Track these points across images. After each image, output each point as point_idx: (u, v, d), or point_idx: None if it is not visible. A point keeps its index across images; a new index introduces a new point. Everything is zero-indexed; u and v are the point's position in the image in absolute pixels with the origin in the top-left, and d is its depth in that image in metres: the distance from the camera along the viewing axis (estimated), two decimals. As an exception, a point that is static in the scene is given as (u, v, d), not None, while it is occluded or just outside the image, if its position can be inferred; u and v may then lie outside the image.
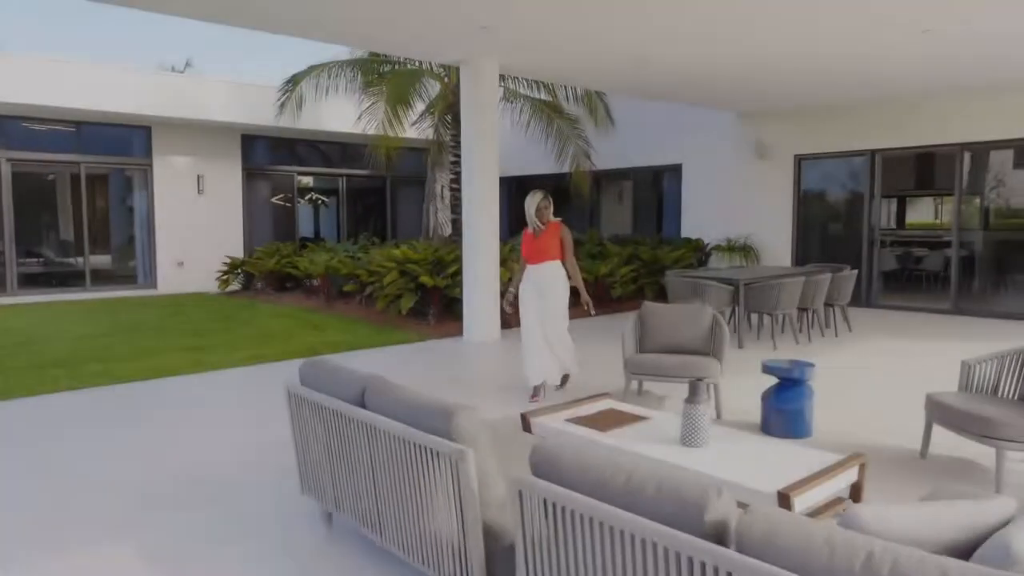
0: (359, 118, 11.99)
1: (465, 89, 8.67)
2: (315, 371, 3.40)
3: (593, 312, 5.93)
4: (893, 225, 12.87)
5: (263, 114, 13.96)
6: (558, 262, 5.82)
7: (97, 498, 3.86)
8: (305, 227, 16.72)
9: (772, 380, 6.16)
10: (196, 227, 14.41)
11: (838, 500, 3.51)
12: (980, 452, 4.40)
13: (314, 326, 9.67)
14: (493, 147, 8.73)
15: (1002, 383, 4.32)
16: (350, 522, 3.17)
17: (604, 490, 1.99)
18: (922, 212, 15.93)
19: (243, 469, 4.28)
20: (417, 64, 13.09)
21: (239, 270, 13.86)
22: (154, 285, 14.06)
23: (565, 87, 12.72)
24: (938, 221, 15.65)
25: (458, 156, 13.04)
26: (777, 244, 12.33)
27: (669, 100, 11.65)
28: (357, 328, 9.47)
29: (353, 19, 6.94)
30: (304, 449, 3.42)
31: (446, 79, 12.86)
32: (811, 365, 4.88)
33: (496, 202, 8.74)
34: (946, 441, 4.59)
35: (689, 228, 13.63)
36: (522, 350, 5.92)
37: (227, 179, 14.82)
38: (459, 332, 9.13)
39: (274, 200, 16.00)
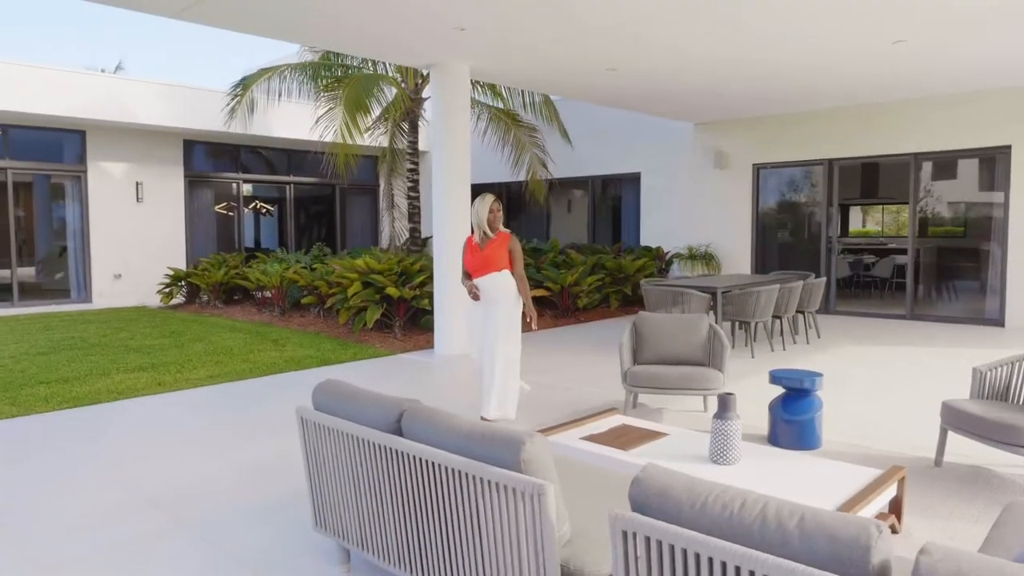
0: (316, 122, 11.51)
1: (436, 93, 8.40)
2: (332, 395, 3.08)
3: (535, 328, 5.51)
4: (850, 233, 13.18)
5: (207, 118, 13.32)
6: (506, 271, 5.17)
7: (69, 537, 3.41)
8: (250, 237, 16.03)
9: (755, 387, 6.12)
10: (135, 237, 13.60)
11: (882, 516, 3.40)
12: (996, 459, 4.40)
13: (273, 341, 9.17)
14: (464, 153, 8.48)
15: (1012, 389, 4.32)
16: (376, 562, 2.85)
17: (732, 528, 1.77)
18: (876, 220, 16.48)
19: (232, 499, 3.89)
20: (372, 68, 12.74)
21: (183, 282, 13.13)
22: (89, 299, 13.17)
23: (523, 95, 12.57)
24: (892, 229, 16.22)
25: (416, 164, 12.73)
26: (737, 252, 12.46)
27: (634, 110, 11.63)
28: (320, 343, 9.02)
29: (326, 19, 6.58)
30: (320, 482, 3.09)
31: (403, 84, 12.53)
32: (819, 375, 4.80)
33: (468, 210, 8.47)
34: (956, 448, 4.58)
35: (648, 236, 13.66)
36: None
37: (168, 186, 14.05)
38: (427, 345, 8.83)
39: (217, 209, 15.27)
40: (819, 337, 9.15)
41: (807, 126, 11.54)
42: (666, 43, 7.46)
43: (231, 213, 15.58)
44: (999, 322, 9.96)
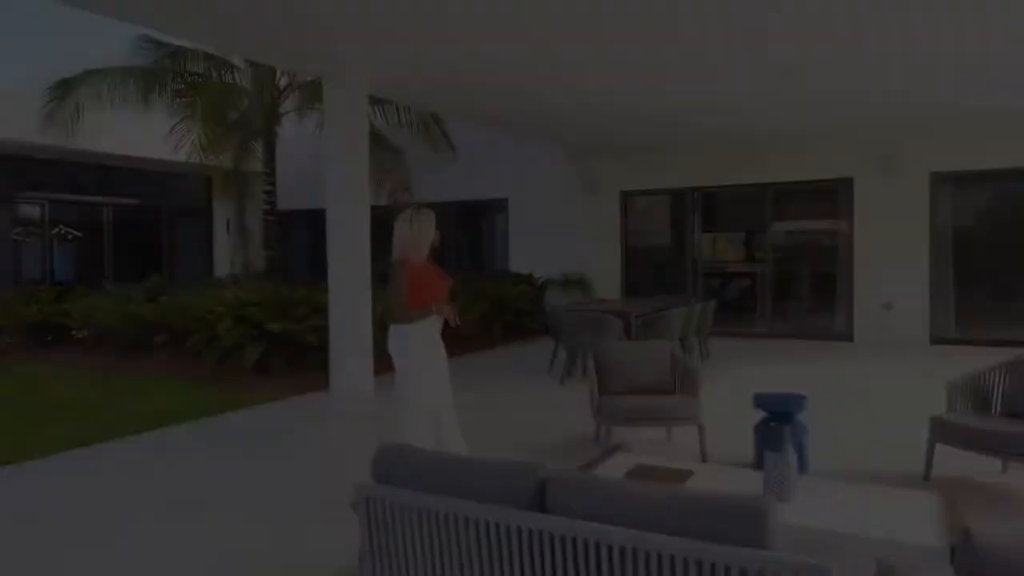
0: (170, 132, 10.02)
1: (330, 107, 7.59)
2: (407, 464, 2.40)
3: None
4: (713, 258, 13.74)
5: (3, 126, 11.15)
6: None
7: None
8: (56, 267, 13.64)
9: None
10: (-96, 269, 10.98)
11: (952, 541, 3.34)
12: (982, 469, 4.56)
13: (127, 390, 7.69)
14: (363, 173, 7.71)
15: (991, 400, 4.53)
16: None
17: None
18: (736, 246, 17.62)
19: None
20: (219, 77, 11.42)
21: (-26, 323, 10.77)
22: None
23: (399, 114, 11.94)
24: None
25: (273, 185, 11.59)
26: (607, 277, 12.64)
27: (518, 134, 11.46)
28: (189, 389, 7.71)
29: (217, 9, 5.65)
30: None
31: (259, 97, 11.37)
32: (803, 397, 4.76)
33: (367, 235, 7.70)
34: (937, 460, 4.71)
35: (517, 262, 13.49)
36: (408, 418, 4.28)
37: (-50, 207, 11.55)
38: (317, 386, 7.86)
39: (15, 235, 12.83)
40: (709, 357, 9.42)
41: (670, 155, 12.04)
42: (583, 66, 7.34)
43: (27, 240, 13.19)
44: (849, 337, 10.96)
